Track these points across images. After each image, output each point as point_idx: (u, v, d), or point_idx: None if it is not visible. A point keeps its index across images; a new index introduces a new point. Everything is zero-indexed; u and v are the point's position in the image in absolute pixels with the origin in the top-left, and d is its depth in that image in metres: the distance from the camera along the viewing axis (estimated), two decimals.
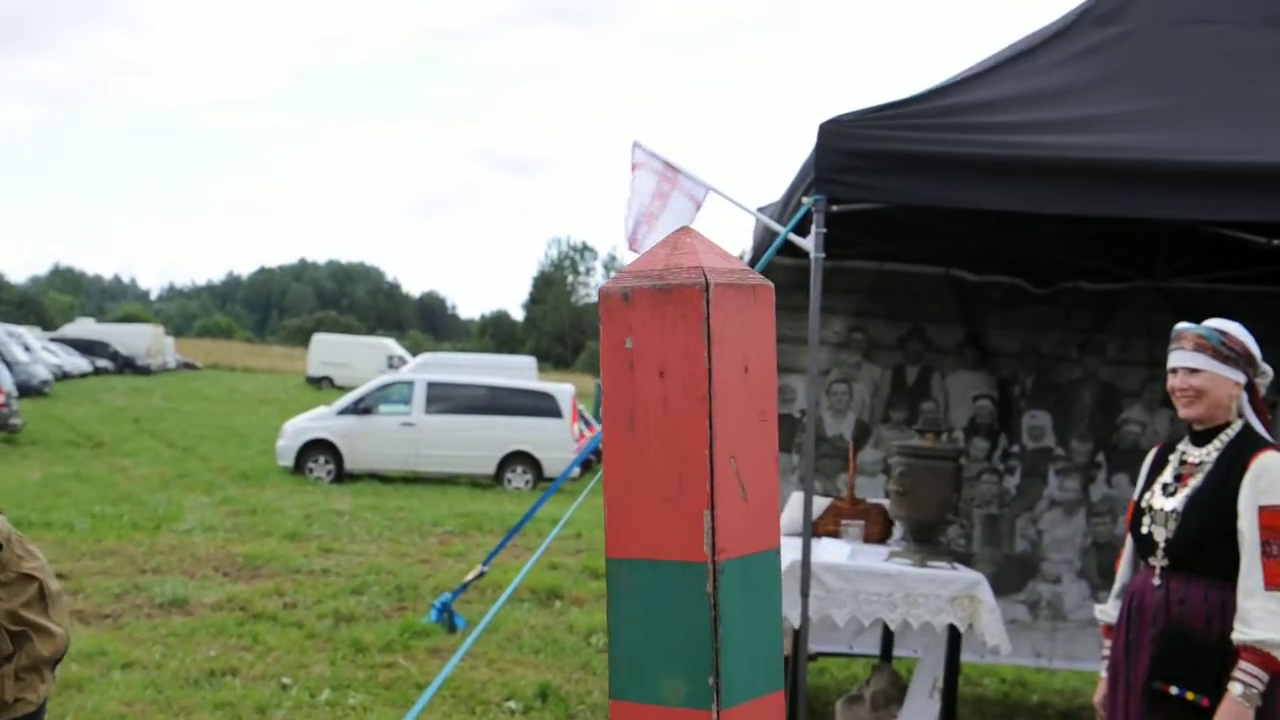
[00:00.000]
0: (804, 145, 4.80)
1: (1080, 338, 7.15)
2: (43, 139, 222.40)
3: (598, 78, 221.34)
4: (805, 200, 4.80)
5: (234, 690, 5.99)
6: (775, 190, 6.22)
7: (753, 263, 6.46)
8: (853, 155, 4.65)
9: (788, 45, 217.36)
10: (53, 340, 45.07)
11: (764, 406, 1.57)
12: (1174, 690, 3.31)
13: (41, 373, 32.82)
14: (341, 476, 18.46)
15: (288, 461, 18.30)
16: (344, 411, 19.10)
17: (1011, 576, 7.11)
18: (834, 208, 4.78)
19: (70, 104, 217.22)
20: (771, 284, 1.62)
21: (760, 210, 6.49)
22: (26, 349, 34.10)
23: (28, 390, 28.18)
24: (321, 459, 18.53)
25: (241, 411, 31.61)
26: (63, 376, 38.68)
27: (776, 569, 1.60)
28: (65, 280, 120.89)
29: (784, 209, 5.56)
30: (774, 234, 5.79)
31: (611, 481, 1.56)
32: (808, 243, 4.81)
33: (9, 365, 24.83)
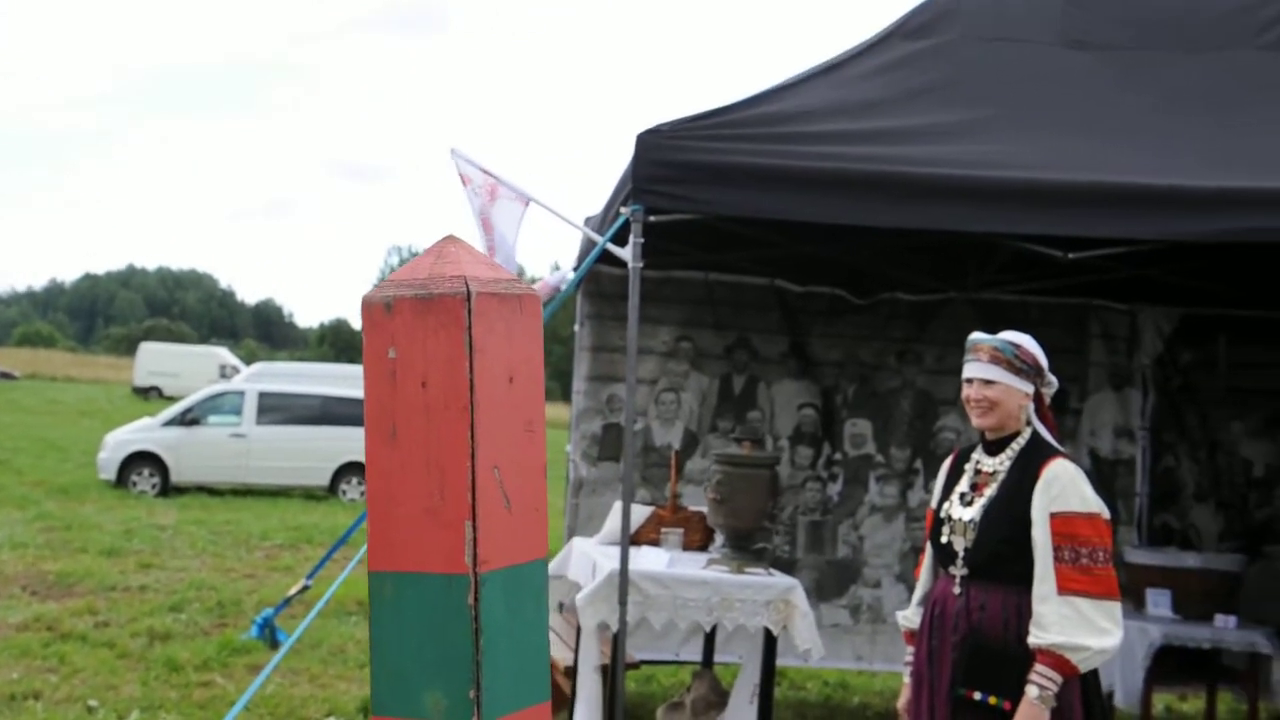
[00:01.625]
0: (628, 155, 4.82)
1: (899, 347, 7.36)
2: None
3: (435, 85, 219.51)
4: (623, 211, 4.83)
5: (35, 714, 5.73)
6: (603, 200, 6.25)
7: (576, 272, 6.48)
8: (669, 166, 4.70)
9: (626, 51, 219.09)
10: None
11: (530, 417, 1.57)
12: (977, 696, 3.41)
13: None
14: (167, 490, 17.87)
15: (109, 475, 17.62)
16: (170, 422, 18.50)
17: (834, 581, 7.27)
18: (652, 218, 4.83)
19: None
20: (539, 294, 1.61)
21: (588, 220, 6.52)
22: None
23: None
24: (146, 472, 17.89)
25: (62, 423, 30.30)
26: None
27: (543, 580, 1.60)
28: None
29: (604, 219, 5.59)
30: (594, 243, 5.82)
31: (374, 493, 1.54)
32: (625, 253, 4.84)
33: None
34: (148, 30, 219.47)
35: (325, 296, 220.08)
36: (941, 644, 3.55)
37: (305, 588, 7.81)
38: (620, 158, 4.98)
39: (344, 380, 28.74)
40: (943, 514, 3.66)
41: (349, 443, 18.87)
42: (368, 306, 1.53)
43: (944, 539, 3.60)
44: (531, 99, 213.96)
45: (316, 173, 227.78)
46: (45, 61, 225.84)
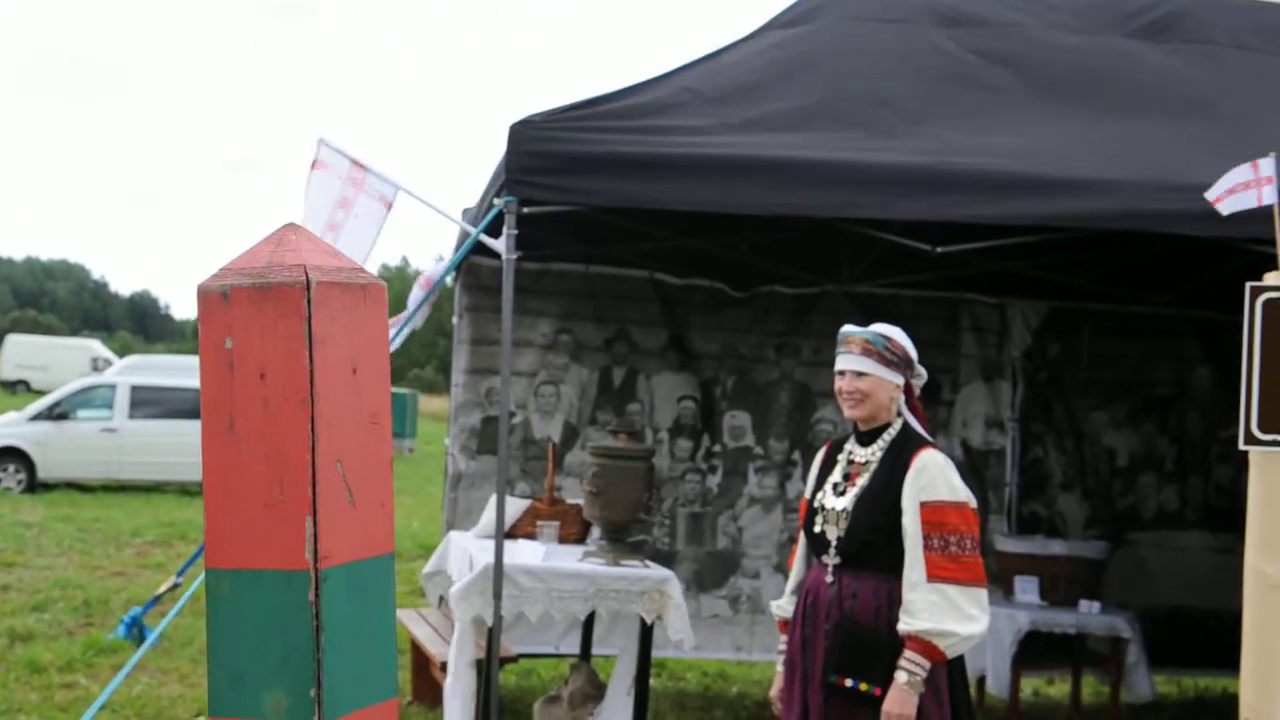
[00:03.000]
0: (501, 146, 4.79)
1: (777, 340, 7.43)
2: None
3: (310, 73, 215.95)
4: (497, 202, 4.80)
5: None
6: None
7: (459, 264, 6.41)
8: (542, 156, 4.68)
9: (501, 42, 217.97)
10: None
11: (375, 409, 1.54)
12: (849, 682, 3.46)
13: None
14: (34, 486, 17.30)
15: None
16: (37, 417, 17.91)
17: (714, 573, 7.32)
18: (527, 210, 4.79)
19: None
20: (384, 283, 1.58)
21: (465, 212, 6.45)
22: None
23: None
24: (11, 468, 17.31)
25: None
26: None
27: (388, 575, 1.57)
28: None
29: (479, 211, 5.54)
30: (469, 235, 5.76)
31: (211, 489, 1.49)
32: (499, 244, 4.80)
33: None
34: (14, 10, 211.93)
35: None
36: (814, 632, 3.59)
37: (175, 585, 7.60)
38: (495, 150, 4.94)
39: None
40: (816, 504, 3.70)
41: None
42: (204, 295, 1.49)
43: (817, 528, 3.65)
44: (407, 89, 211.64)
45: (191, 162, 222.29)
46: None
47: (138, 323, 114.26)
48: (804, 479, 7.43)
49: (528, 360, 7.12)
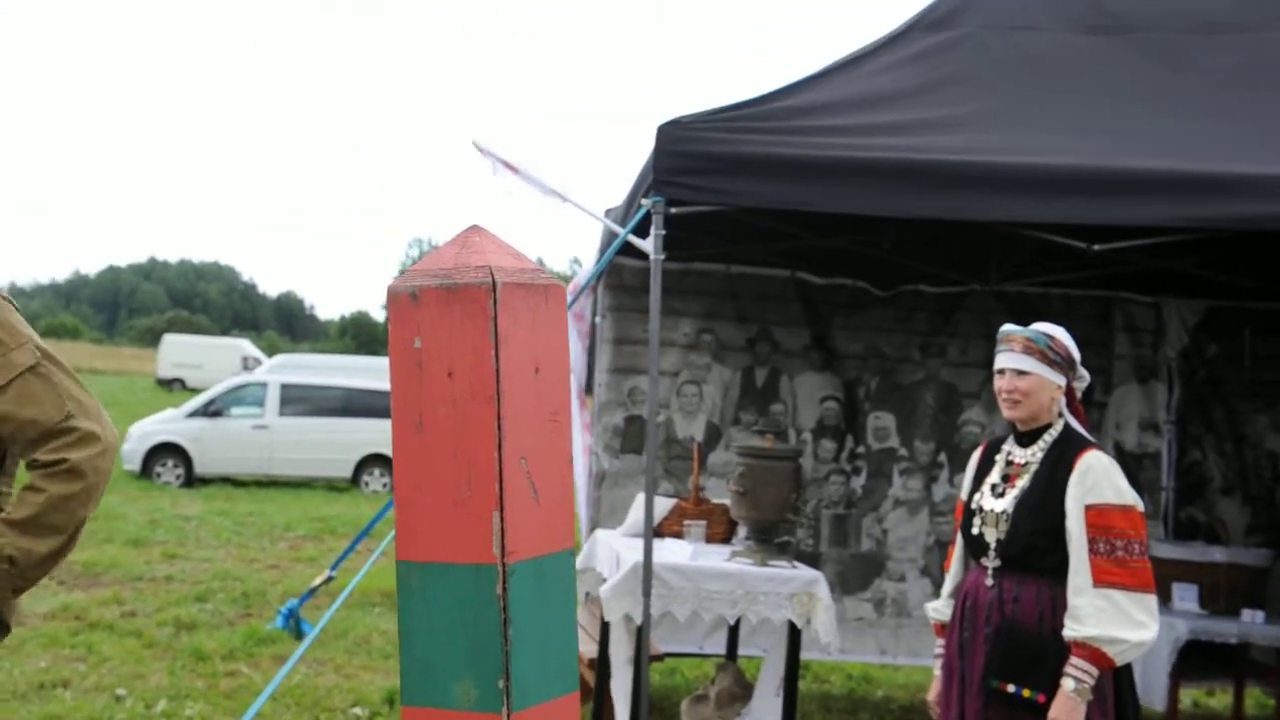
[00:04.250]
0: (649, 147, 4.82)
1: (921, 340, 7.33)
2: None
3: (455, 79, 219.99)
4: (644, 202, 4.83)
5: (64, 703, 5.77)
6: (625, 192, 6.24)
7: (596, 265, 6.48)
8: (690, 157, 4.70)
9: (642, 47, 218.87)
10: None
11: (556, 407, 1.57)
12: (1011, 688, 3.40)
13: None
14: (191, 481, 17.98)
15: (134, 466, 17.73)
16: (194, 414, 18.60)
17: (858, 575, 7.26)
18: (673, 210, 4.82)
19: None
20: (563, 285, 1.61)
21: (609, 212, 6.51)
22: None
23: None
24: (170, 463, 18.02)
25: None
26: None
27: (570, 570, 1.60)
28: None
29: (626, 211, 5.58)
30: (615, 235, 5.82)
31: (401, 484, 1.54)
32: (647, 244, 4.83)
33: None
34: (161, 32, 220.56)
35: (346, 289, 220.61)
36: (973, 636, 3.53)
37: (329, 579, 7.83)
38: (639, 152, 4.98)
39: (366, 372, 28.86)
40: (973, 505, 3.65)
41: (371, 434, 18.94)
42: (393, 296, 1.53)
43: (975, 530, 3.59)
44: (548, 92, 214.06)
45: (337, 165, 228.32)
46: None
47: (284, 322, 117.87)
48: (951, 481, 7.38)
49: (670, 360, 7.15)
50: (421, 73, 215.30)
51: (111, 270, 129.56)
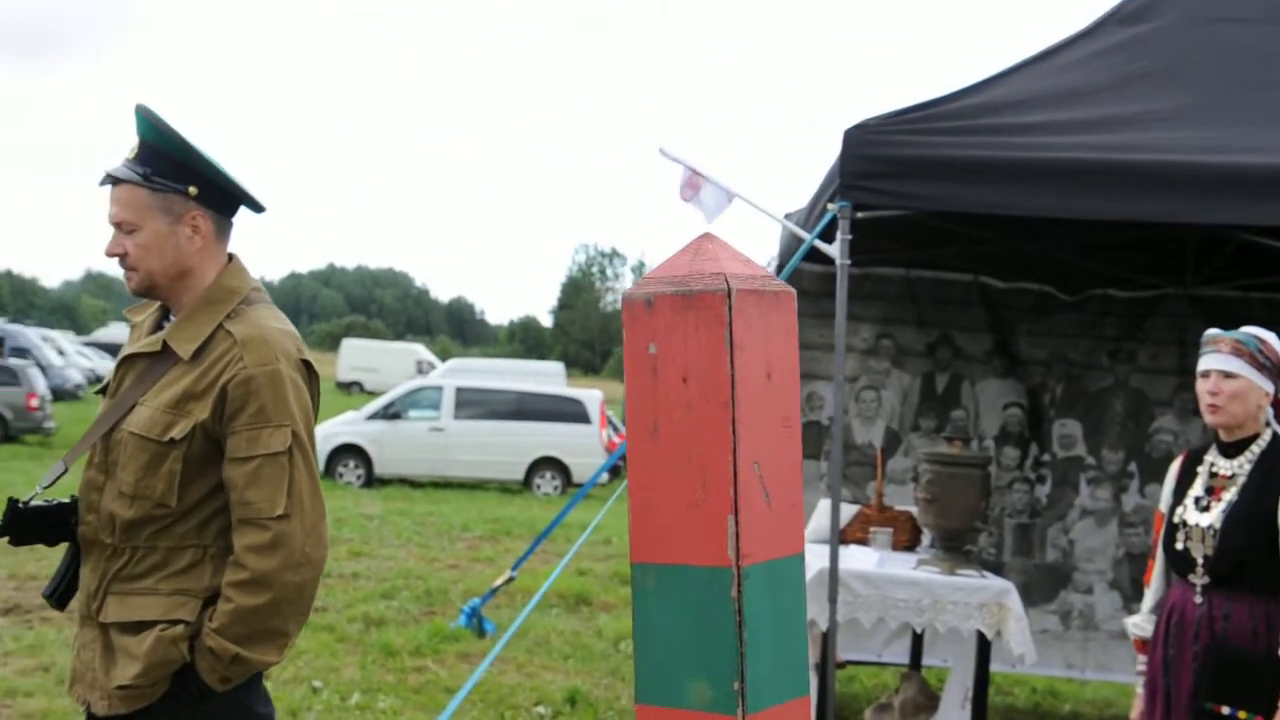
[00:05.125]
0: (832, 150, 4.79)
1: (1110, 345, 7.11)
2: (86, 146, 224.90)
3: (621, 81, 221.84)
4: (830, 207, 4.81)
5: None
6: (803, 196, 6.23)
7: (779, 269, 6.48)
8: (877, 161, 4.66)
9: (819, 47, 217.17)
10: (86, 344, 45.48)
11: (787, 413, 1.58)
12: (1226, 710, 3.27)
13: (75, 376, 33.13)
14: (371, 481, 18.58)
15: (318, 466, 18.39)
16: (373, 416, 19.22)
17: (1042, 586, 7.08)
18: (859, 214, 4.79)
19: (115, 110, 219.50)
20: (794, 291, 1.62)
21: (787, 217, 6.50)
22: (60, 353, 34.46)
23: (61, 394, 28.48)
24: (351, 463, 18.66)
25: None
26: (96, 380, 39.04)
27: (800, 574, 1.61)
28: (98, 285, 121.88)
29: (809, 215, 5.56)
30: (800, 241, 5.80)
31: (636, 487, 1.57)
32: (834, 249, 4.81)
33: (43, 369, 25.09)
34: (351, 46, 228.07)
35: (514, 294, 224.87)
36: (1180, 654, 3.42)
37: (510, 579, 8.01)
38: (817, 154, 4.95)
39: (535, 376, 29.45)
40: (1176, 520, 3.52)
41: (543, 438, 19.31)
42: (629, 303, 1.57)
43: (1179, 545, 3.47)
44: (718, 98, 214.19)
45: (506, 172, 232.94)
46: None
47: (455, 327, 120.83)
48: (1141, 492, 7.14)
49: (849, 365, 7.08)
50: (590, 79, 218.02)
51: (293, 277, 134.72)
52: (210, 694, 2.48)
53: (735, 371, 1.50)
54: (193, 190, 2.56)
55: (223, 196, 2.63)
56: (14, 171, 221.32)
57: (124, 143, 2.66)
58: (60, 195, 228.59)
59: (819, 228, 4.97)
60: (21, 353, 28.52)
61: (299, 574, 2.46)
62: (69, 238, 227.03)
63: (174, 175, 2.55)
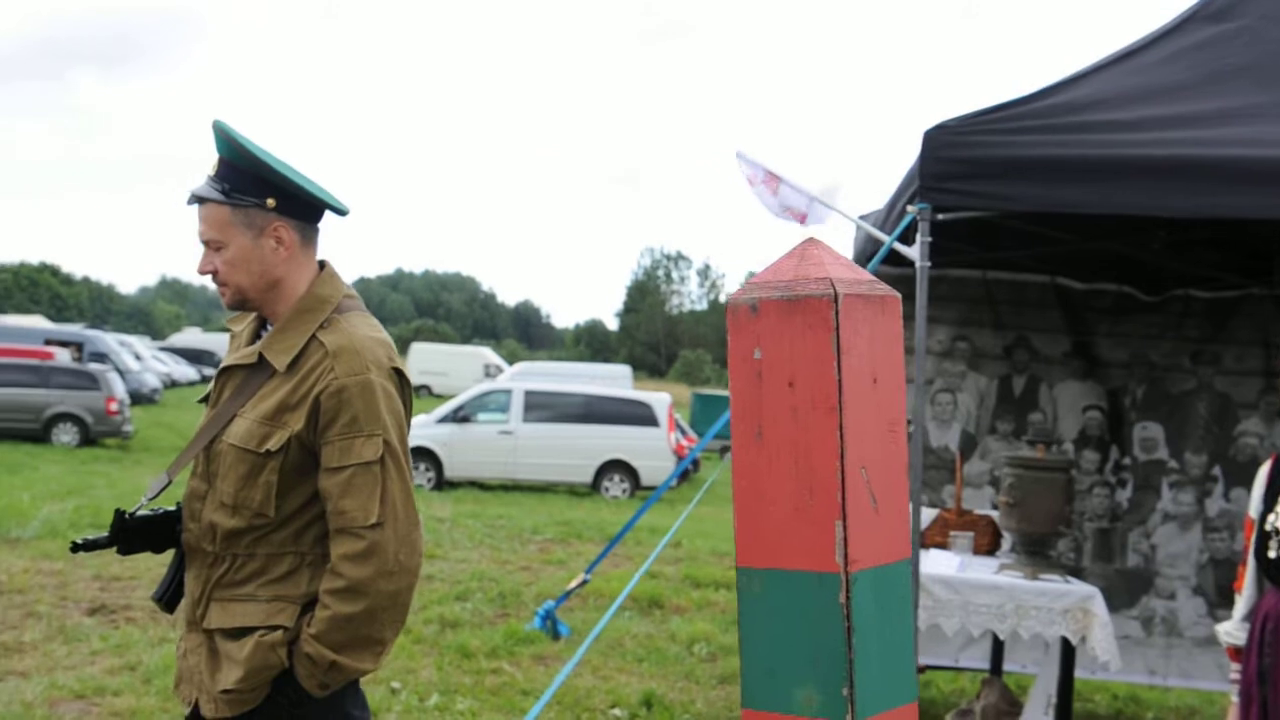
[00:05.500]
0: (906, 151, 4.75)
1: (1193, 347, 6.98)
2: (162, 155, 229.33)
3: (688, 87, 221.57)
4: (910, 209, 4.76)
5: None
6: (876, 197, 6.19)
7: None
8: (957, 162, 4.60)
9: (887, 49, 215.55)
10: (161, 349, 46.35)
11: (893, 418, 1.57)
12: None
13: (151, 381, 33.77)
14: (441, 484, 18.73)
15: None
16: (443, 419, 19.37)
17: (1124, 592, 6.97)
18: (940, 216, 4.74)
19: (192, 120, 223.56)
20: (899, 295, 1.62)
21: (862, 218, 6.46)
22: (137, 358, 35.12)
23: (138, 398, 29.02)
24: (422, 466, 18.81)
25: None
26: (171, 384, 39.78)
27: (908, 580, 1.60)
28: (172, 291, 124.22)
29: (887, 217, 5.52)
30: (876, 242, 5.76)
31: (741, 491, 1.57)
32: (912, 251, 4.77)
33: (121, 374, 25.58)
34: (405, 48, 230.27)
35: (580, 298, 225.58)
36: (1275, 662, 3.35)
37: (584, 582, 8.04)
38: (883, 156, 4.90)
39: (602, 379, 29.50)
40: (1268, 527, 3.45)
41: (611, 441, 19.37)
42: (733, 308, 1.57)
43: (1272, 553, 3.40)
44: (781, 100, 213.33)
45: (570, 178, 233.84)
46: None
47: (521, 330, 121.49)
48: (1226, 496, 6.99)
49: (925, 367, 7.02)
50: (657, 82, 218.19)
51: (362, 281, 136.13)
52: (308, 699, 2.52)
53: (842, 376, 1.50)
54: (271, 202, 2.59)
55: (302, 205, 2.65)
56: (93, 181, 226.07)
57: (198, 152, 2.71)
58: (135, 203, 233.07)
59: (898, 230, 4.93)
60: (100, 358, 29.10)
61: (393, 582, 2.47)
62: (144, 245, 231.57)
63: (252, 189, 2.58)
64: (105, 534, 2.63)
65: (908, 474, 1.61)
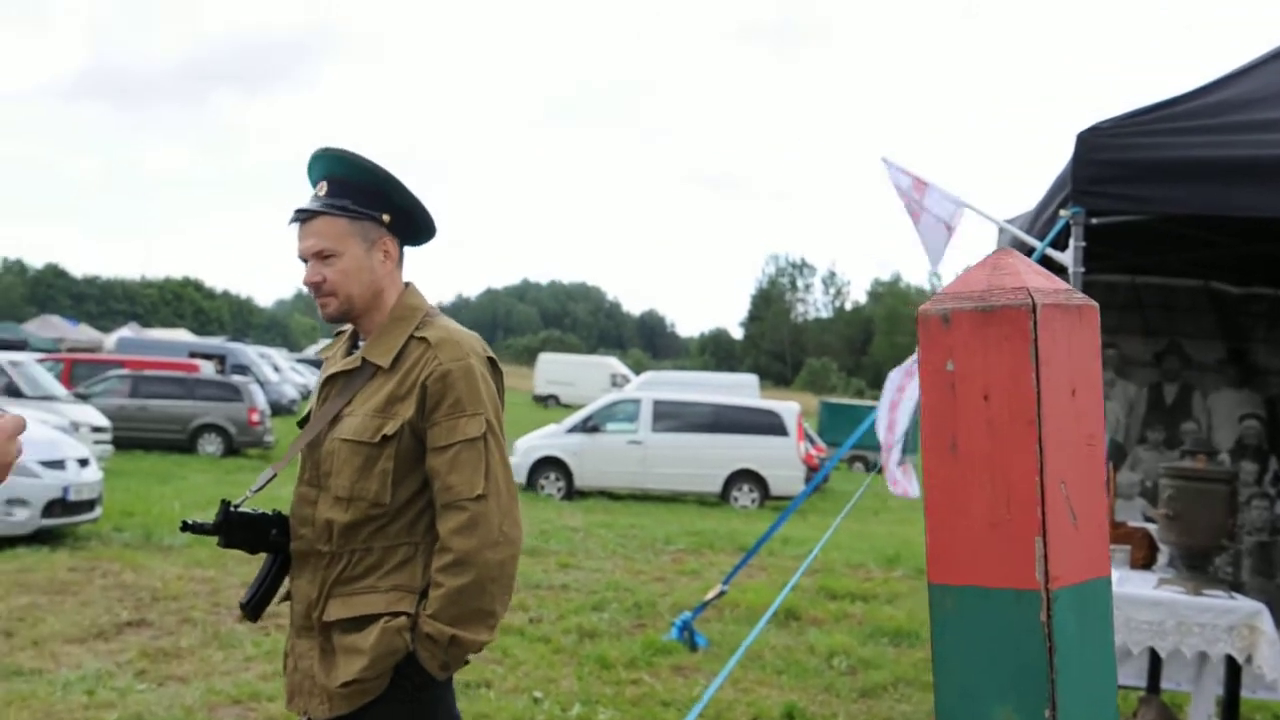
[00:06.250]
0: (1048, 154, 4.63)
1: None
2: (298, 172, 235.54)
3: (809, 97, 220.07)
4: (1063, 213, 4.65)
5: (489, 702, 6.16)
6: (1014, 200, 6.06)
7: None
8: (1112, 165, 4.48)
9: (1025, 50, 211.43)
10: (298, 361, 47.58)
11: (1092, 430, 1.53)
12: None
13: (290, 392, 34.69)
14: (571, 493, 18.87)
15: (520, 478, 18.77)
16: (573, 429, 19.51)
17: None
18: (1094, 220, 4.62)
19: (326, 137, 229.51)
20: (1096, 305, 1.57)
21: (1010, 222, 6.33)
22: (276, 369, 36.13)
23: (278, 408, 29.84)
24: (552, 476, 18.98)
25: None
26: (308, 395, 40.82)
27: (1109, 598, 1.55)
28: (307, 304, 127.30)
29: (1035, 221, 5.40)
30: (1020, 247, 5.64)
31: (934, 506, 1.54)
32: (1064, 257, 4.66)
33: (261, 385, 26.33)
34: (529, 61, 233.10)
35: (705, 306, 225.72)
36: None
37: (721, 593, 8.01)
38: (1017, 160, 4.78)
39: (729, 388, 29.43)
40: None
41: (740, 450, 19.30)
42: (924, 320, 1.54)
43: None
44: (905, 108, 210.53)
45: (694, 186, 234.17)
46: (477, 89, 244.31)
47: (646, 340, 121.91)
48: None
49: None
50: (776, 91, 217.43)
51: (489, 293, 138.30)
52: (430, 684, 2.62)
53: (1041, 388, 1.46)
54: (386, 218, 2.75)
55: (409, 225, 2.81)
56: (232, 198, 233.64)
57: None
58: (271, 219, 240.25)
59: (1051, 235, 4.82)
60: (242, 370, 30.03)
61: (498, 552, 2.58)
62: (280, 258, 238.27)
63: (370, 203, 2.73)
64: (211, 522, 2.75)
65: (1104, 488, 1.56)
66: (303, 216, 2.74)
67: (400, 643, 2.59)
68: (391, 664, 2.60)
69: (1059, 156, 4.86)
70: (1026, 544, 1.46)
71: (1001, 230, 6.07)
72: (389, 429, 2.62)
